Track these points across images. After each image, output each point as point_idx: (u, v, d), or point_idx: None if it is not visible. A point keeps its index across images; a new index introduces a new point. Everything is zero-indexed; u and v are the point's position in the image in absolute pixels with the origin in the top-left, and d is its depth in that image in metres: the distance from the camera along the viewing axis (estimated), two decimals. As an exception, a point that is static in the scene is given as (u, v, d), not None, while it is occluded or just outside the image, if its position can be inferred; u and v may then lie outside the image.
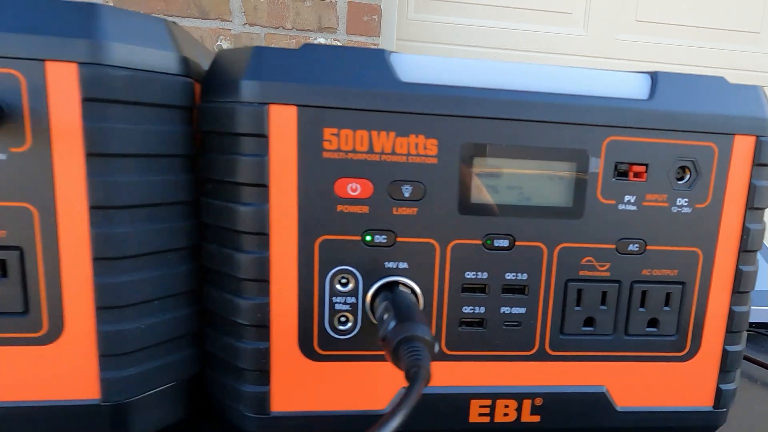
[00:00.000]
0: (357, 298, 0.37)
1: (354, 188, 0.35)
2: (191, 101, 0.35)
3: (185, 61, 0.35)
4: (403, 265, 0.37)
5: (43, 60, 0.30)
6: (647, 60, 1.74)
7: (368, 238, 0.36)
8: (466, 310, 0.38)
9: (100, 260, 0.32)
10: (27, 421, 0.34)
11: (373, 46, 1.25)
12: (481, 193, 0.37)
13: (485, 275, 0.38)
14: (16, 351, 0.33)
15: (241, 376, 0.37)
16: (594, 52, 1.73)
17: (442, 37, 1.63)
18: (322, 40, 1.36)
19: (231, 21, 1.32)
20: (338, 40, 1.35)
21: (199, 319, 0.39)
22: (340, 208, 0.35)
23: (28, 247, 0.31)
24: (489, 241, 0.37)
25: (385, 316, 0.32)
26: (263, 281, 0.35)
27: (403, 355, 0.28)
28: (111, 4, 1.26)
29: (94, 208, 0.32)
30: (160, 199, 0.34)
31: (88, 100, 0.31)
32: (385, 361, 0.37)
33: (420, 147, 0.36)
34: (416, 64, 0.36)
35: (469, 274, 0.38)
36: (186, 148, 0.36)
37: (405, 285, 0.37)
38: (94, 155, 0.31)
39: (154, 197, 0.34)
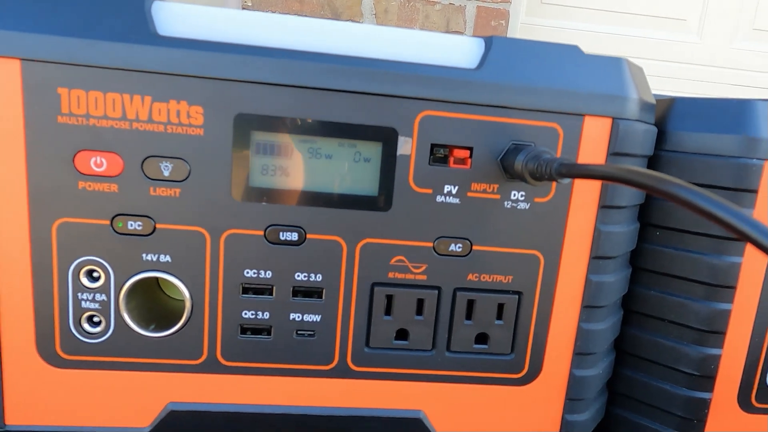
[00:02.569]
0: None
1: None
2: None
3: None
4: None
5: (582, 115, 0.31)
6: (764, 70, 1.64)
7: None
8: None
9: (588, 308, 0.34)
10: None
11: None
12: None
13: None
14: (497, 390, 0.35)
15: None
16: (707, 61, 1.62)
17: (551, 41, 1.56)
18: (447, 43, 1.39)
19: (362, 23, 1.33)
20: (465, 44, 1.39)
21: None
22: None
23: (528, 292, 0.33)
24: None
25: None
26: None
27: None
28: (249, 4, 1.21)
29: (595, 258, 0.33)
30: (629, 247, 0.36)
31: (614, 155, 0.32)
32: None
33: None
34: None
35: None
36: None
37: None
38: (606, 207, 0.33)
39: (629, 246, 0.35)
